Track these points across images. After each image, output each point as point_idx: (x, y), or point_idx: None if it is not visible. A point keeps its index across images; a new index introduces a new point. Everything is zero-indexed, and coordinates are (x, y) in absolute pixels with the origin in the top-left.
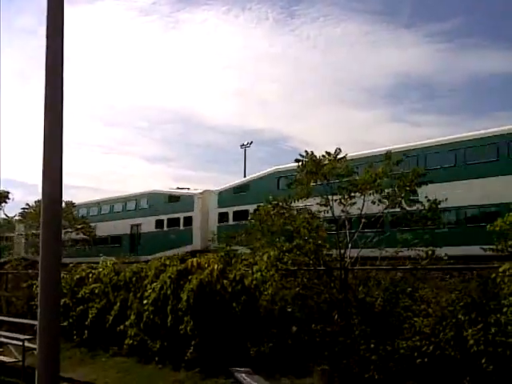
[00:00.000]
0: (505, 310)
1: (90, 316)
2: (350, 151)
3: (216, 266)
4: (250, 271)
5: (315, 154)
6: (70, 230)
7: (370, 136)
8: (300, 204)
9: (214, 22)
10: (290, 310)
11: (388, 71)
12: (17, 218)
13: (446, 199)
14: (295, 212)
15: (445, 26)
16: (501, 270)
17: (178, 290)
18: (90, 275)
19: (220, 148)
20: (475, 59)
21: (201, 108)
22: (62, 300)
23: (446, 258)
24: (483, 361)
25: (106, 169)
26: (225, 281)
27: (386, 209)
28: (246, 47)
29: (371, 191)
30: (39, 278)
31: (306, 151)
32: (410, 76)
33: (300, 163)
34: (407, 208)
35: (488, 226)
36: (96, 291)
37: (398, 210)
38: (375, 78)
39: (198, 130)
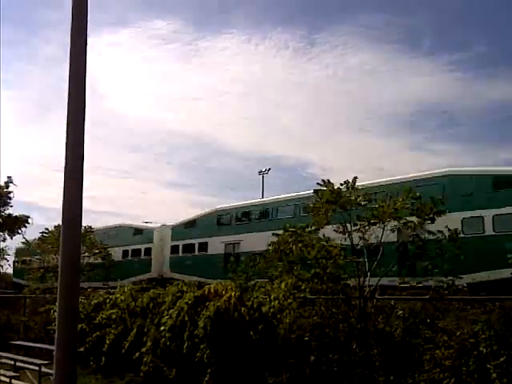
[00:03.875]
0: None
1: (108, 342)
2: (368, 179)
3: (233, 293)
4: (268, 299)
5: (333, 181)
6: (87, 255)
7: (387, 164)
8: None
9: (234, 51)
10: (307, 339)
11: (406, 99)
12: (36, 241)
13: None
14: (313, 240)
15: (464, 55)
16: None
17: (195, 316)
18: (108, 301)
19: (238, 174)
20: (496, 88)
21: (219, 134)
22: (79, 325)
23: (465, 288)
24: None
25: (125, 194)
26: (242, 308)
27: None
28: (265, 75)
29: (389, 220)
30: (57, 303)
31: (323, 180)
32: (428, 104)
33: (318, 192)
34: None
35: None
36: (113, 317)
37: (417, 238)
38: (393, 107)
39: (216, 155)
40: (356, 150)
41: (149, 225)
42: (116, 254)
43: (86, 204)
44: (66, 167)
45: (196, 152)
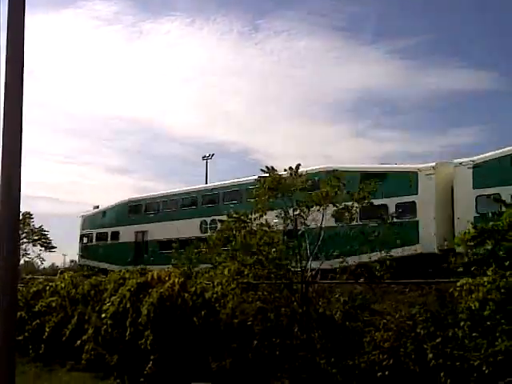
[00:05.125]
0: (462, 324)
1: (47, 330)
2: (313, 165)
3: (177, 280)
4: (211, 285)
5: (278, 166)
6: (25, 241)
7: (332, 150)
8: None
9: (177, 34)
10: (250, 323)
11: (351, 87)
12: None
13: None
14: (256, 226)
15: (408, 42)
16: (458, 284)
17: (138, 303)
18: (47, 288)
19: (183, 159)
20: (436, 76)
21: (163, 119)
22: (18, 313)
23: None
24: (442, 374)
25: (66, 179)
26: (186, 294)
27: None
28: (209, 59)
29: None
30: None
31: (266, 167)
32: (372, 92)
33: (260, 179)
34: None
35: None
36: (53, 305)
37: (355, 223)
38: (338, 94)
39: (160, 140)
40: (301, 136)
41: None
42: None
43: (24, 189)
44: (3, 153)
45: (139, 136)
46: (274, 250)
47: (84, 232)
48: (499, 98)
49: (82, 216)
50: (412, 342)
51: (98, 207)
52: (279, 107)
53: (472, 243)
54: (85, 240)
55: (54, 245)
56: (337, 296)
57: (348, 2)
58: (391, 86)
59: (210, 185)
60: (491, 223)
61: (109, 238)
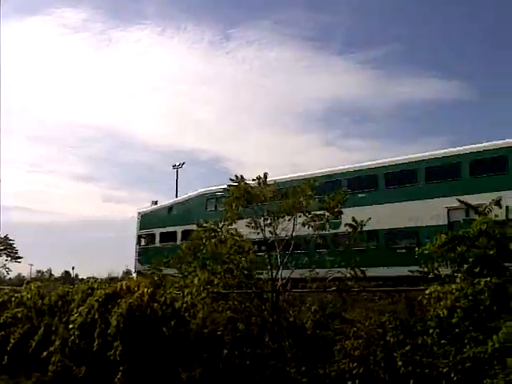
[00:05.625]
0: (431, 331)
1: (12, 341)
2: (283, 173)
3: (146, 290)
4: (181, 294)
5: (250, 175)
6: None
7: (302, 159)
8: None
9: (148, 42)
10: (220, 333)
11: (321, 96)
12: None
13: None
14: (226, 235)
15: (378, 52)
16: (427, 292)
17: (107, 314)
18: (13, 299)
19: (150, 167)
20: (409, 86)
21: (132, 127)
22: None
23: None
24: (411, 382)
25: (33, 187)
26: (155, 304)
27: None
28: (179, 68)
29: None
30: None
31: (235, 175)
32: (342, 102)
33: (229, 188)
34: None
35: (416, 249)
36: (19, 316)
37: (326, 232)
38: (308, 103)
39: (128, 149)
40: (273, 145)
41: None
42: None
43: None
44: None
45: (106, 144)
46: (243, 259)
47: (143, 232)
48: (470, 108)
49: (140, 213)
50: (382, 349)
51: (156, 202)
52: (251, 116)
53: (442, 249)
54: (143, 242)
55: (20, 255)
56: (308, 305)
57: (318, 12)
58: (362, 95)
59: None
60: (461, 230)
61: (178, 238)
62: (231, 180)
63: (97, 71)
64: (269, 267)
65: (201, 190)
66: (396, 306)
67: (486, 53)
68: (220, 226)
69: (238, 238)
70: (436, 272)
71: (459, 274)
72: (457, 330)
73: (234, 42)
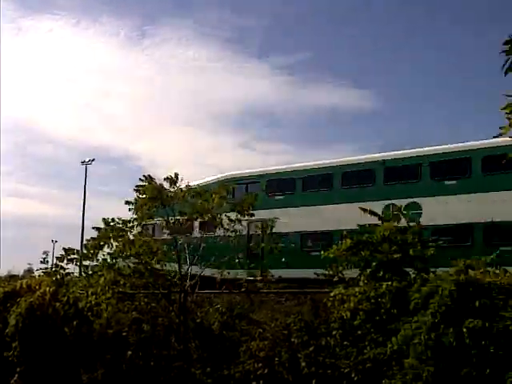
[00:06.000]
0: (334, 332)
1: None
2: (196, 173)
3: (48, 289)
4: (85, 294)
5: (162, 174)
6: None
7: (216, 159)
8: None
9: (61, 33)
10: (125, 334)
11: (236, 98)
12: None
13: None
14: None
15: (294, 58)
16: (332, 294)
17: (5, 313)
18: None
19: (62, 163)
20: (318, 93)
21: (41, 120)
22: None
23: (273, 279)
24: (314, 382)
25: None
26: (57, 303)
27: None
28: (94, 61)
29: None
30: None
31: (145, 175)
32: (256, 105)
33: (141, 188)
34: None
35: (322, 253)
36: None
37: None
38: (224, 104)
39: (37, 142)
40: (186, 144)
41: None
42: None
43: None
44: None
45: (16, 137)
46: (152, 260)
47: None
48: (378, 116)
49: None
50: (286, 350)
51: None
52: (166, 114)
53: (347, 253)
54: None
55: None
56: (216, 306)
57: (240, 14)
58: (276, 100)
59: None
60: (366, 235)
61: None
62: (141, 180)
63: (4, 60)
64: (177, 268)
65: (224, 174)
66: (302, 307)
67: (390, 65)
68: (129, 225)
69: (147, 238)
70: (340, 275)
71: (362, 278)
72: (359, 332)
73: (150, 38)
